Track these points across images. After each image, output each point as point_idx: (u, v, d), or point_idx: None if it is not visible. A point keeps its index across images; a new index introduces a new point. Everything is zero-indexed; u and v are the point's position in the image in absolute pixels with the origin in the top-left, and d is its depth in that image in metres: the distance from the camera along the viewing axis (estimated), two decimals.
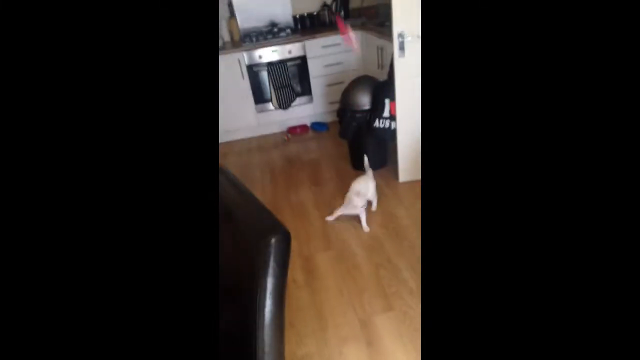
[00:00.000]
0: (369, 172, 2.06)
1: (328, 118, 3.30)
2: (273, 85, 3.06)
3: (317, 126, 3.28)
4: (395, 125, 2.19)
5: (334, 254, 1.82)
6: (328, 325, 1.45)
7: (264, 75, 3.05)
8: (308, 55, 3.03)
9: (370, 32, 2.79)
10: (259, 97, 3.13)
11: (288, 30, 3.12)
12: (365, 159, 2.03)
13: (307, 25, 3.25)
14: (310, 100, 3.22)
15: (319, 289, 1.63)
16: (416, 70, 2.02)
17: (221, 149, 3.14)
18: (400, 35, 1.93)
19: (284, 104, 3.15)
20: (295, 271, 1.75)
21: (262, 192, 2.46)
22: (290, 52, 3.00)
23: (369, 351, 1.32)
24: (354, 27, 3.00)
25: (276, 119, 3.26)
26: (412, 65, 2.00)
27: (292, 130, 3.28)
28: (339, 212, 2.00)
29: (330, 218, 2.05)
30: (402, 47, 1.96)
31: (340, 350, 1.34)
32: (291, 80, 3.10)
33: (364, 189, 1.93)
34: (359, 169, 2.54)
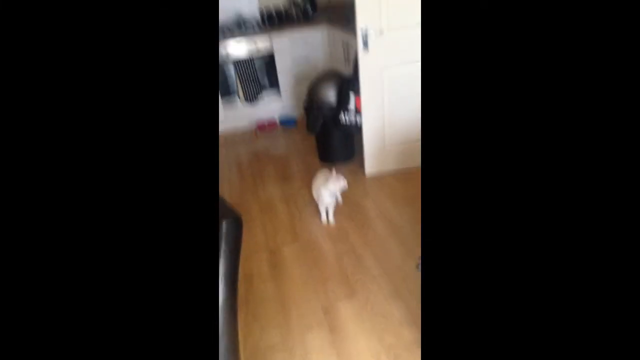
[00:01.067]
0: (334, 173, 2.03)
1: (296, 112, 3.30)
2: (239, 79, 3.03)
3: (285, 121, 3.28)
4: (361, 119, 2.23)
5: (299, 245, 1.83)
6: (292, 315, 1.46)
7: (230, 68, 3.01)
8: (275, 50, 3.02)
9: (337, 28, 2.82)
10: (225, 90, 3.08)
11: (255, 25, 3.10)
12: (334, 171, 2.00)
13: (274, 21, 3.24)
14: (279, 95, 3.21)
15: (283, 281, 1.63)
16: (380, 64, 2.06)
17: None
18: (364, 30, 1.96)
19: (251, 97, 3.12)
20: (260, 264, 1.74)
21: (229, 187, 2.43)
22: (257, 46, 2.98)
23: (332, 337, 1.34)
24: (321, 23, 3.02)
25: (244, 114, 3.23)
26: (376, 59, 2.04)
27: (260, 127, 3.26)
28: (323, 211, 1.95)
29: (326, 221, 1.98)
30: (365, 42, 1.99)
31: (304, 338, 1.35)
32: (258, 75, 3.08)
33: (332, 187, 1.88)
34: (326, 161, 2.57)
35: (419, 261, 1.38)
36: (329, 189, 1.85)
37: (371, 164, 2.33)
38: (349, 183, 2.26)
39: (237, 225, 0.79)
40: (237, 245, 0.79)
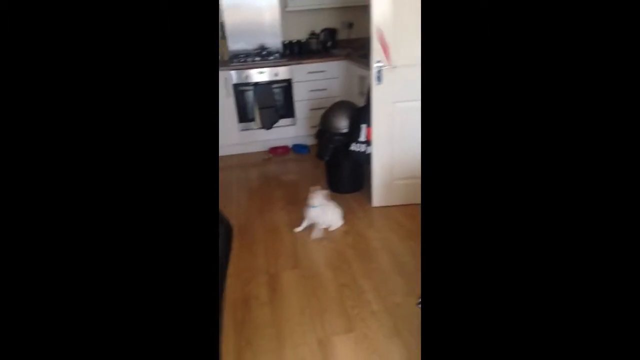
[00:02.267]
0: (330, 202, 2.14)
1: (309, 141, 3.35)
2: (258, 105, 3.12)
3: (298, 148, 3.33)
4: (371, 150, 2.24)
5: (300, 272, 1.80)
6: (286, 344, 1.41)
7: (250, 95, 3.11)
8: (294, 79, 3.12)
9: (354, 63, 2.91)
10: (243, 116, 3.17)
11: (277, 54, 3.23)
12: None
13: (295, 51, 3.37)
14: (294, 123, 3.28)
15: (281, 307, 1.59)
16: (392, 98, 2.10)
17: None
18: (378, 63, 2.02)
19: (267, 124, 3.19)
20: (258, 288, 1.71)
21: (237, 208, 2.44)
22: (277, 74, 3.09)
23: None
24: (340, 56, 3.13)
25: (258, 139, 3.30)
26: (388, 93, 2.08)
27: (273, 150, 3.32)
28: (305, 224, 2.12)
29: (298, 229, 2.13)
30: (379, 75, 2.04)
31: None
32: (276, 102, 3.17)
33: (320, 214, 2.07)
34: (335, 190, 2.57)
35: (419, 299, 1.33)
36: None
37: (378, 196, 2.32)
38: (355, 213, 2.26)
39: (227, 231, 0.79)
40: (226, 252, 0.79)
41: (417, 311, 1.48)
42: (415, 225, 2.10)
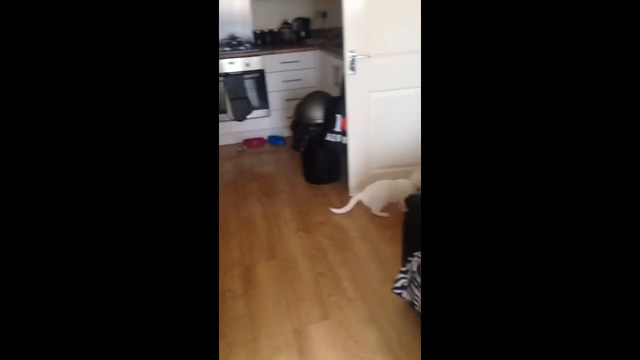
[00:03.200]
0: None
1: (285, 132, 3.31)
2: (229, 97, 3.05)
3: (273, 139, 3.28)
4: (346, 140, 2.24)
5: (276, 263, 1.78)
6: (261, 334, 1.39)
7: (220, 86, 3.03)
8: (267, 70, 3.06)
9: (328, 52, 2.89)
10: None
11: (247, 44, 3.16)
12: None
13: (267, 41, 3.30)
14: (268, 114, 3.23)
15: (256, 299, 1.57)
16: (366, 88, 2.10)
17: None
18: (352, 53, 2.00)
19: (239, 116, 3.13)
20: (233, 280, 1.68)
21: None
22: (248, 65, 3.02)
23: None
24: (314, 46, 3.09)
25: (232, 131, 3.23)
26: (362, 83, 2.08)
27: (247, 142, 3.26)
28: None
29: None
30: (352, 65, 2.03)
31: None
32: (248, 93, 3.10)
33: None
34: (311, 181, 2.56)
35: (395, 284, 1.34)
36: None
37: (355, 185, 2.33)
38: (333, 203, 2.25)
39: None
40: None
41: (392, 296, 1.49)
42: (391, 213, 2.12)
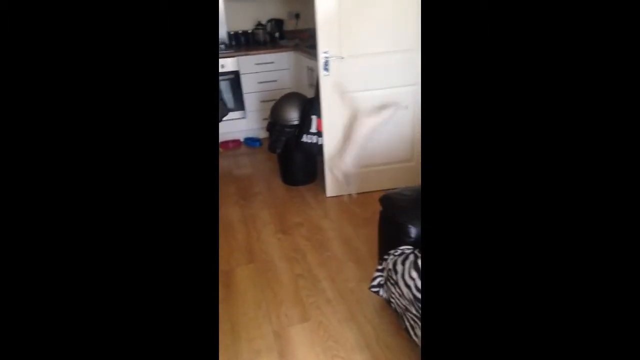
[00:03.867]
0: None
1: (262, 134, 3.29)
2: None
3: (250, 141, 3.26)
4: (322, 140, 2.26)
5: (255, 267, 1.78)
6: (241, 338, 1.39)
7: None
8: (241, 71, 3.04)
9: (303, 54, 2.89)
10: None
11: (222, 45, 3.12)
12: None
13: (241, 42, 3.28)
14: (244, 116, 3.21)
15: (235, 303, 1.56)
16: (340, 88, 2.12)
17: None
18: (325, 54, 2.02)
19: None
20: None
21: None
22: (223, 66, 2.98)
23: None
24: (288, 47, 3.09)
25: None
26: (336, 84, 2.10)
27: (224, 145, 3.22)
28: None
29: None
30: (326, 66, 2.05)
31: None
32: (223, 95, 3.07)
33: None
34: (288, 183, 2.56)
35: (372, 282, 1.37)
36: None
37: (332, 186, 2.35)
38: (310, 204, 2.26)
39: None
40: None
41: (370, 295, 1.52)
42: (368, 212, 2.15)
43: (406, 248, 1.28)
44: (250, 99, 3.16)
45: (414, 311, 1.13)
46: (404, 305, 1.18)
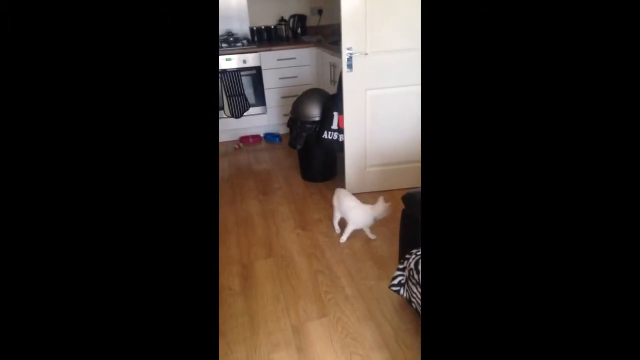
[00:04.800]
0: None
1: (282, 130, 3.31)
2: (226, 93, 3.03)
3: (270, 137, 3.28)
4: (343, 137, 2.24)
5: (274, 261, 1.79)
6: (260, 332, 1.40)
7: (218, 83, 3.02)
8: (263, 67, 3.05)
9: (325, 50, 2.88)
10: None
11: (244, 41, 3.14)
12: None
13: (264, 38, 3.29)
14: (265, 111, 3.22)
15: (254, 296, 1.58)
16: (363, 86, 2.10)
17: None
18: (349, 50, 2.01)
19: (237, 113, 3.12)
20: (231, 278, 1.69)
21: None
22: (245, 62, 3.01)
23: (298, 356, 1.29)
24: (310, 43, 3.08)
25: (228, 128, 3.22)
26: (359, 81, 2.08)
27: (244, 139, 3.25)
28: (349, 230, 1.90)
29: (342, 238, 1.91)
30: (350, 62, 2.03)
31: (270, 357, 1.30)
32: (245, 90, 3.09)
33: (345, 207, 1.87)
34: (308, 179, 2.56)
35: (393, 281, 1.36)
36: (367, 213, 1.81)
37: (352, 183, 2.33)
38: (329, 201, 2.25)
39: None
40: None
41: (389, 294, 1.51)
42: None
43: None
44: (271, 94, 3.17)
45: None
46: None
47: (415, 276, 1.23)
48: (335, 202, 1.95)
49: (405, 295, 1.33)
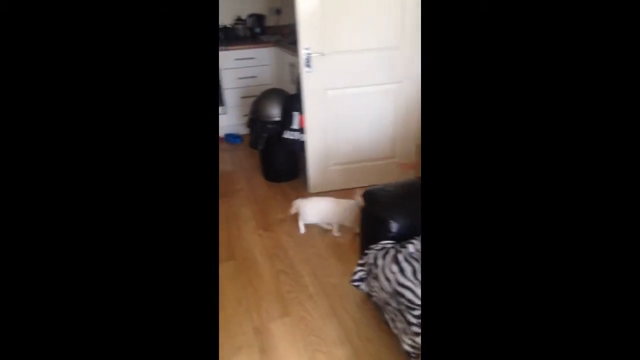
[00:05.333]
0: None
1: (242, 130, 3.26)
2: None
3: (231, 138, 3.22)
4: (304, 137, 2.25)
5: (235, 264, 1.76)
6: (222, 335, 1.37)
7: None
8: (221, 67, 2.99)
9: (284, 49, 2.87)
10: None
11: None
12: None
13: (221, 37, 3.22)
14: (224, 112, 3.16)
15: None
16: (323, 86, 2.12)
17: None
18: (307, 50, 2.01)
19: None
20: None
21: None
22: None
23: (261, 358, 1.28)
24: (269, 43, 3.06)
25: None
26: (319, 80, 2.10)
27: None
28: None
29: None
30: (308, 62, 2.04)
31: None
32: None
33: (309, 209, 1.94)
34: (271, 179, 2.54)
35: (353, 277, 1.38)
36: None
37: (315, 182, 2.35)
38: (292, 201, 2.25)
39: None
40: None
41: (352, 290, 1.53)
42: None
43: (387, 243, 1.29)
44: (230, 94, 3.11)
45: (394, 304, 1.15)
46: (384, 299, 1.20)
47: (374, 270, 1.26)
48: (306, 213, 1.94)
49: (365, 289, 1.36)
